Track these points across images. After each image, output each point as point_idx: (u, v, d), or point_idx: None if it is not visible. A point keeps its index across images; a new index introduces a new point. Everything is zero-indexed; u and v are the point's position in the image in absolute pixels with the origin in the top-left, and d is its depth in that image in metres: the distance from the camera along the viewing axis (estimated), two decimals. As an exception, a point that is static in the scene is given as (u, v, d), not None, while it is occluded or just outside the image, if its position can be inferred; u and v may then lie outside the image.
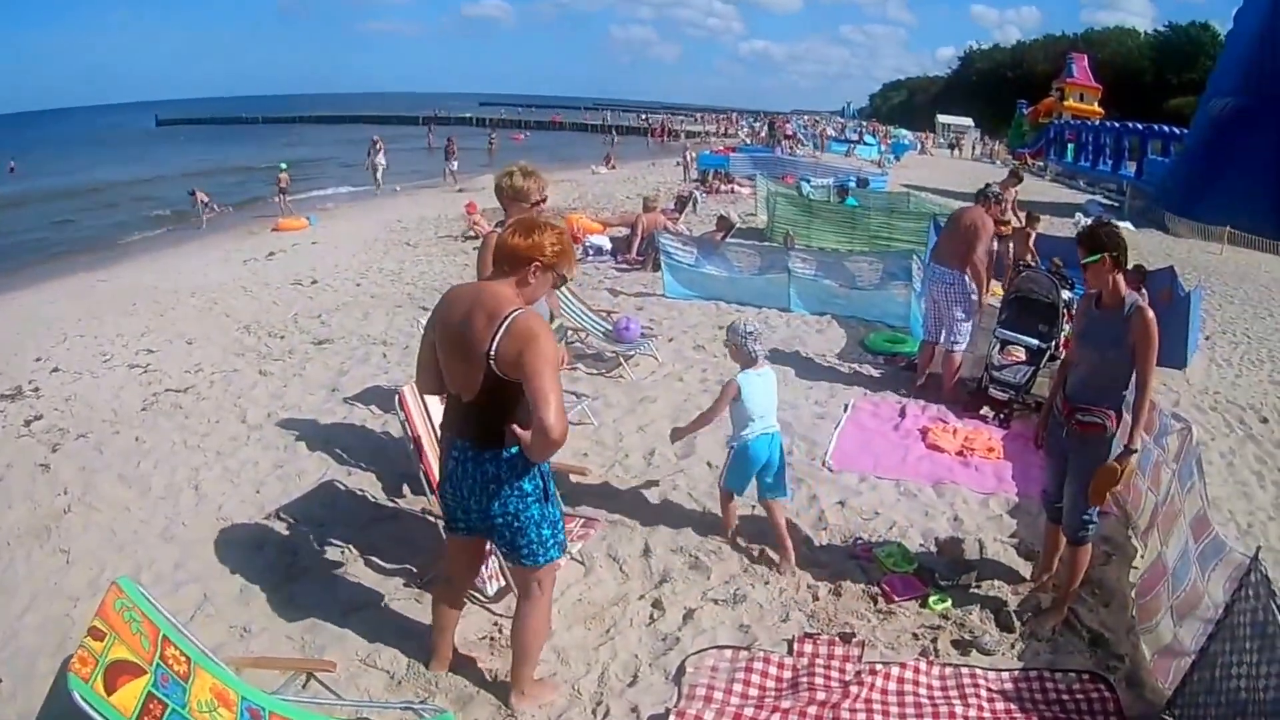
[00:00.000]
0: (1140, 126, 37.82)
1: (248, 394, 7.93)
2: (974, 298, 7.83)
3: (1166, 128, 36.80)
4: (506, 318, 3.20)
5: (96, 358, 9.32)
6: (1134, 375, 4.27)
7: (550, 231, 3.41)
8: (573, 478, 6.11)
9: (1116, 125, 41.11)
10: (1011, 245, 12.23)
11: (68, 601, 4.67)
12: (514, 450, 3.37)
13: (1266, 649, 3.19)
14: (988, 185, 8.46)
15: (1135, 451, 4.26)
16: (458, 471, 3.47)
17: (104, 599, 3.12)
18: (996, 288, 11.87)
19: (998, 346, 7.92)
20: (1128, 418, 4.34)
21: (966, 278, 7.76)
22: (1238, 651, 3.36)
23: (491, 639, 4.33)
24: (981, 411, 7.64)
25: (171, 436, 6.95)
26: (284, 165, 26.87)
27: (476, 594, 4.56)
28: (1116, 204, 30.37)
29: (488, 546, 3.94)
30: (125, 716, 2.80)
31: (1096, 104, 59.63)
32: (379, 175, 29.92)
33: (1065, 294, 8.27)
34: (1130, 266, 7.47)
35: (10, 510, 5.76)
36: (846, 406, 7.68)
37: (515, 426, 3.26)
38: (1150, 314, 4.20)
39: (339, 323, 10.59)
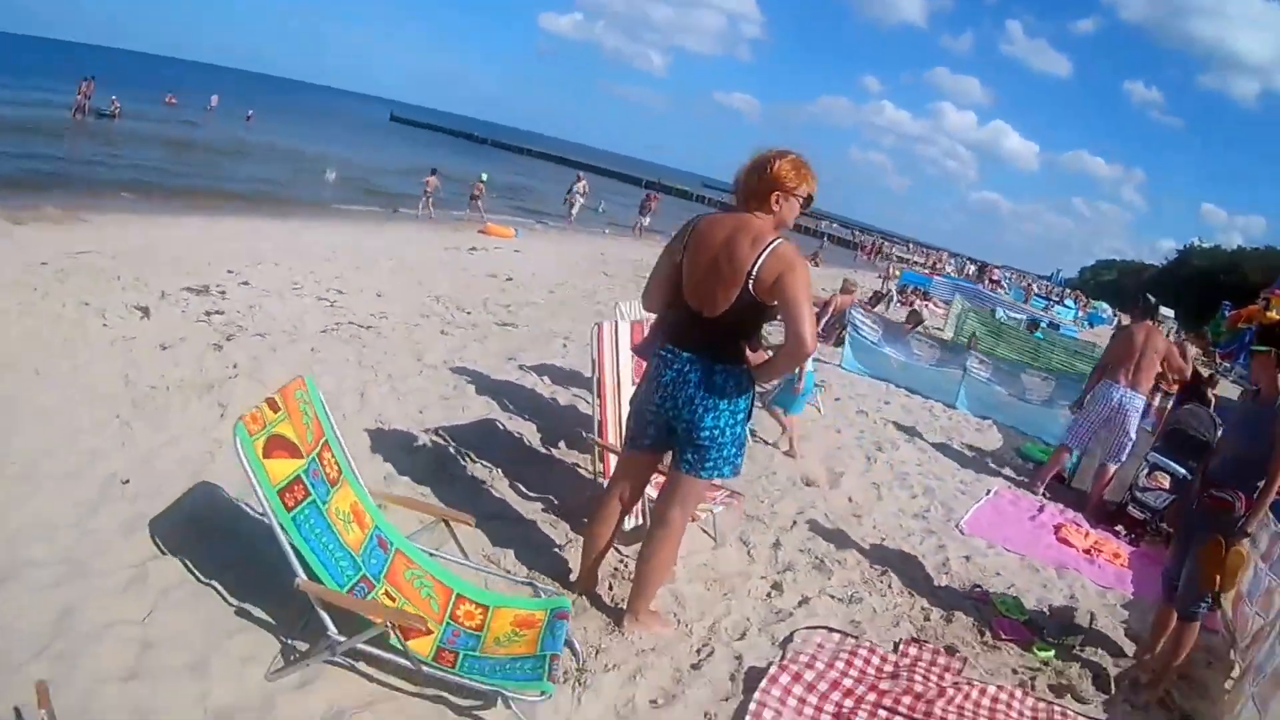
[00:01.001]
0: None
1: (427, 343, 8.21)
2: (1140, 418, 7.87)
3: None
4: (771, 243, 3.38)
5: (287, 284, 9.55)
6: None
7: (782, 160, 3.50)
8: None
9: (1309, 343, 39.13)
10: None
11: (214, 443, 4.81)
12: (742, 367, 3.57)
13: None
14: (1153, 300, 8.26)
15: (1248, 535, 4.34)
16: (676, 381, 3.59)
17: (289, 384, 3.35)
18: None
19: (1146, 470, 7.79)
20: None
21: (1142, 397, 7.75)
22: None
23: (615, 569, 4.44)
24: (1115, 527, 7.53)
25: (346, 355, 7.22)
26: (484, 176, 27.21)
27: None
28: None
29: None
30: (271, 483, 3.02)
31: (1299, 321, 56.78)
32: (574, 210, 30.14)
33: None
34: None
35: (177, 368, 6.01)
36: (990, 491, 7.64)
37: (748, 348, 3.53)
38: None
39: (526, 315, 10.88)
